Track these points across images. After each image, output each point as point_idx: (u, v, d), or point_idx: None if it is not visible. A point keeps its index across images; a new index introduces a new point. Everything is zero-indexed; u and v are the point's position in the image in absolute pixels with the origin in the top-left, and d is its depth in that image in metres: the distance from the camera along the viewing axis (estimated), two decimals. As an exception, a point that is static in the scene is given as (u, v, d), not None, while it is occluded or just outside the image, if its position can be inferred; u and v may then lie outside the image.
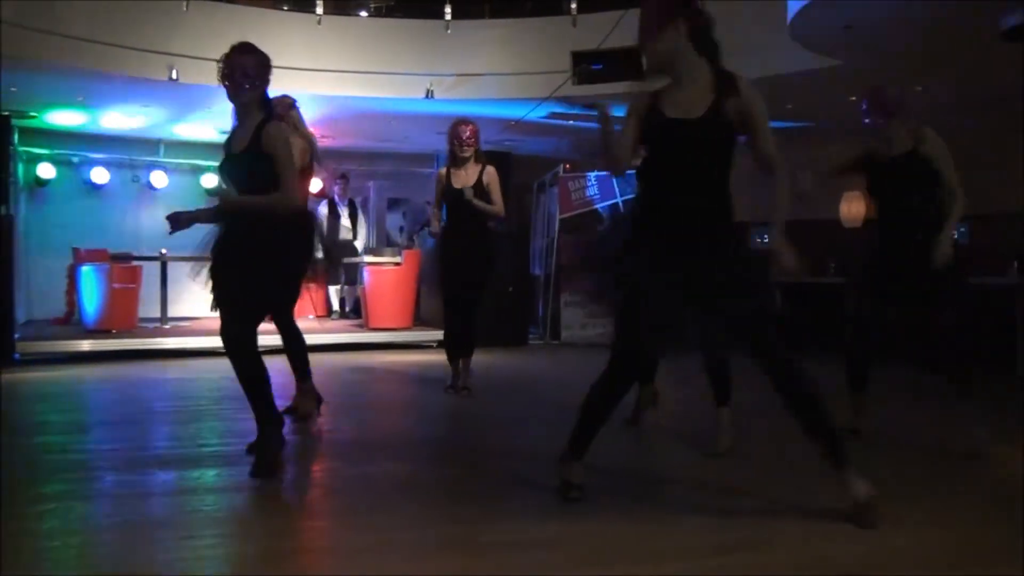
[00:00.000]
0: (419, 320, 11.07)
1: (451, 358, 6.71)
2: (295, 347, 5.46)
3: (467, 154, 6.42)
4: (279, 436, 4.21)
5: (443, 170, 6.56)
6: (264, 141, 4.12)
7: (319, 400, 5.61)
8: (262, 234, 4.08)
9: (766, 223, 3.55)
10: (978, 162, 6.50)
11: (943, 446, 4.72)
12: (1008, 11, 6.78)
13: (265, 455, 4.09)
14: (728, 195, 3.51)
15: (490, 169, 6.48)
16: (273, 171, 4.10)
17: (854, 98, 9.17)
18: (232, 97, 4.21)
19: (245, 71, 4.16)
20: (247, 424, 4.62)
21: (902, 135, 4.76)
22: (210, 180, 12.54)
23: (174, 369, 8.26)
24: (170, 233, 4.29)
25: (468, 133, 6.43)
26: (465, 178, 6.40)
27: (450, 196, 6.42)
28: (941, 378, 4.75)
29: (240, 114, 4.30)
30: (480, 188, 6.36)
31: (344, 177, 12.75)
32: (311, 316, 12.35)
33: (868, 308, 4.87)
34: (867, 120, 4.83)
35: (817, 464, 3.45)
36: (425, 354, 9.96)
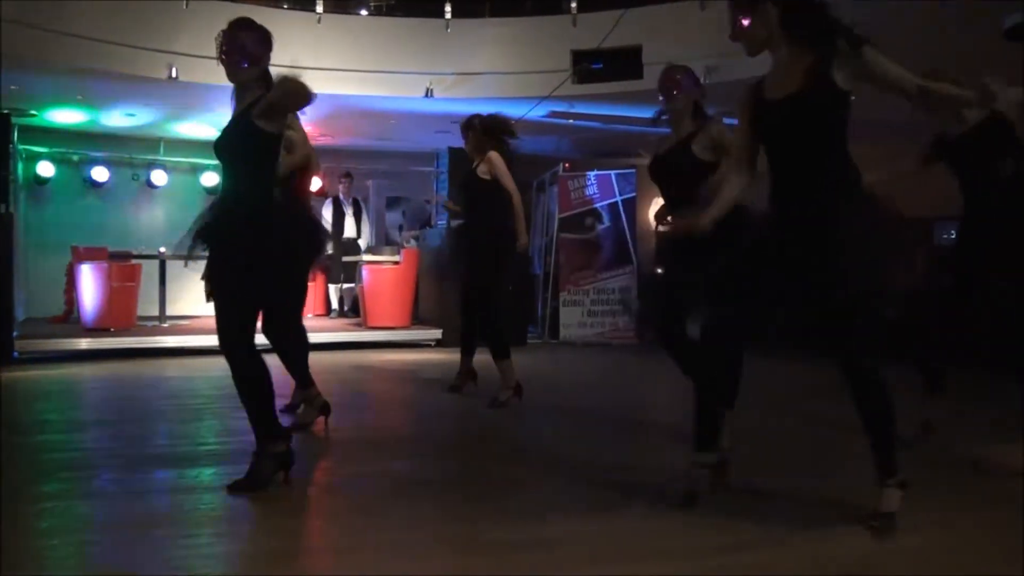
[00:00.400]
0: (417, 319, 11.06)
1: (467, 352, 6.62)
2: (298, 353, 5.20)
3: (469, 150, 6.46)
4: (279, 455, 3.85)
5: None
6: (258, 108, 3.82)
7: (327, 410, 5.25)
8: (263, 230, 3.85)
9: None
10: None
11: (947, 446, 4.72)
12: (1009, 10, 6.80)
13: (256, 473, 3.80)
14: (840, 172, 3.30)
15: (491, 155, 6.24)
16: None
17: (854, 97, 9.23)
18: (230, 76, 3.98)
19: (244, 48, 3.91)
20: (245, 422, 4.62)
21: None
22: (210, 179, 12.57)
23: (172, 367, 8.25)
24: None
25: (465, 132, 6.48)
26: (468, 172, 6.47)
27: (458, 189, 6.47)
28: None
29: (239, 94, 4.05)
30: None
31: (348, 175, 12.75)
32: (310, 315, 12.35)
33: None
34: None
35: (817, 463, 3.44)
36: (423, 353, 9.96)
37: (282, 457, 3.85)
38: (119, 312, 9.71)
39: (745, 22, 3.36)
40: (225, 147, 3.94)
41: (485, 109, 10.34)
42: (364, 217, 12.92)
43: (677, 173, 4.44)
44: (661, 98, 4.50)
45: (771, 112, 3.35)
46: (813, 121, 3.27)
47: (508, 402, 6.07)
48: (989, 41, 7.19)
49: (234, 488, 3.75)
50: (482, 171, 6.22)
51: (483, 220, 6.24)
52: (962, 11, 6.80)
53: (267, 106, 3.76)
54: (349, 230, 12.56)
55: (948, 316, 4.79)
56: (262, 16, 9.98)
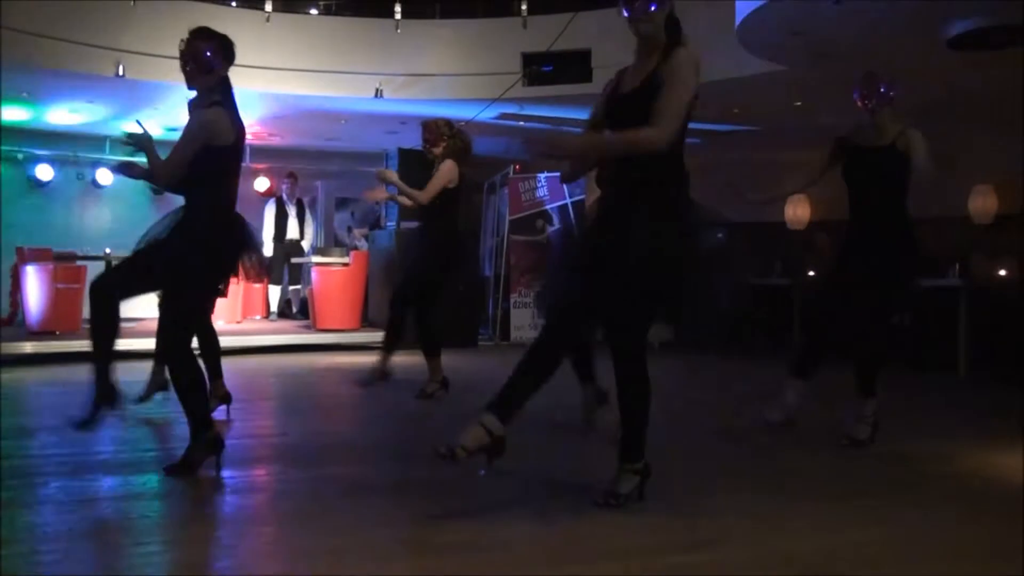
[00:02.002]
0: (367, 321, 11.02)
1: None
2: (212, 347, 5.40)
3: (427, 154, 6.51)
4: (209, 439, 4.12)
5: None
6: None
7: (227, 398, 5.55)
8: (188, 233, 4.10)
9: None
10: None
11: (896, 444, 4.82)
12: (952, 20, 6.94)
13: (189, 457, 4.10)
14: (666, 167, 3.50)
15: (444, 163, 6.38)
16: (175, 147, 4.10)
17: (799, 103, 9.37)
18: (188, 83, 4.15)
19: (199, 56, 4.08)
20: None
21: (888, 126, 4.81)
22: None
23: (119, 371, 8.10)
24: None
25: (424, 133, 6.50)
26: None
27: None
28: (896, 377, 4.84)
29: (195, 102, 4.22)
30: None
31: (292, 176, 12.68)
32: (257, 316, 12.26)
33: (829, 303, 4.99)
34: (863, 103, 4.85)
35: (776, 463, 3.49)
36: (373, 355, 9.89)
37: (212, 442, 4.10)
38: (64, 315, 9.55)
39: (653, 8, 3.52)
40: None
41: (435, 111, 10.43)
42: (308, 218, 12.85)
43: None
44: None
45: (614, 103, 3.66)
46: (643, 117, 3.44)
47: (435, 394, 6.35)
48: (932, 50, 7.34)
49: (170, 470, 4.02)
50: None
51: (440, 223, 6.39)
52: (908, 20, 6.92)
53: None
54: (292, 231, 12.49)
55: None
56: (210, 14, 10.01)
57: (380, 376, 6.41)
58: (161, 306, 4.44)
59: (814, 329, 5.13)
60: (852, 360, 5.00)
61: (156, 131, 11.60)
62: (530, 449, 4.88)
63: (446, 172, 6.31)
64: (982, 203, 10.02)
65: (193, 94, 4.24)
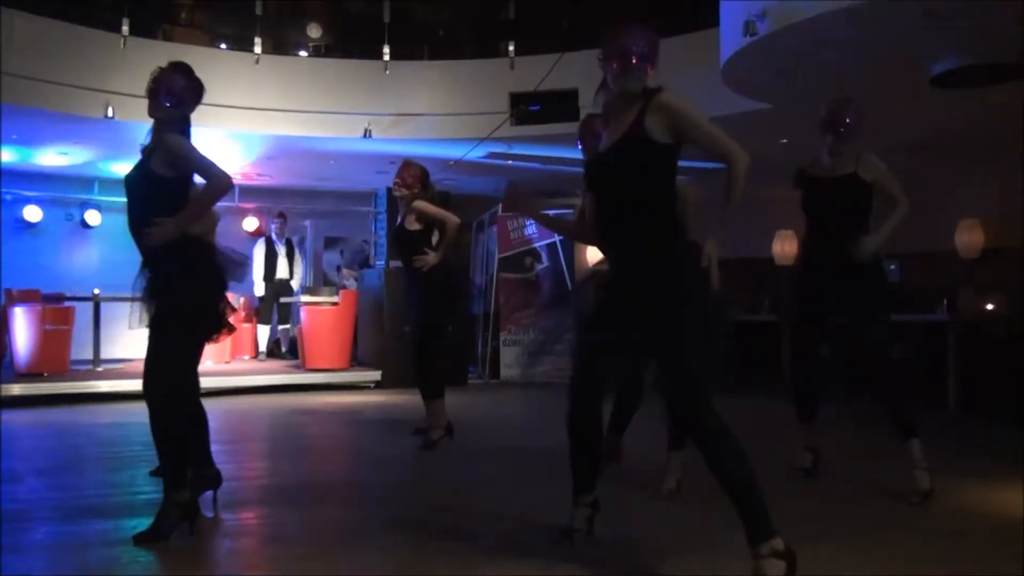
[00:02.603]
0: (356, 361, 11.00)
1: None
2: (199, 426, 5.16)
3: (397, 194, 6.30)
4: (182, 504, 3.80)
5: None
6: (162, 151, 3.86)
7: (217, 480, 5.26)
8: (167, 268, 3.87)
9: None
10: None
11: (893, 480, 4.82)
12: (935, 59, 7.03)
13: (159, 523, 3.74)
14: (663, 224, 3.33)
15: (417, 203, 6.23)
16: (198, 167, 3.86)
17: (785, 140, 9.45)
18: (151, 111, 3.97)
19: (172, 88, 3.95)
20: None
21: (847, 156, 4.76)
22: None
23: (108, 413, 8.10)
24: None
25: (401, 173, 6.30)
26: (405, 219, 6.24)
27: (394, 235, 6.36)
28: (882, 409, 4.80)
29: (153, 133, 4.00)
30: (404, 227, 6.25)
31: (282, 216, 12.70)
32: (246, 357, 12.23)
33: (804, 341, 5.00)
34: (827, 133, 4.79)
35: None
36: (363, 395, 9.90)
37: (185, 507, 3.81)
38: (52, 356, 9.51)
39: (643, 66, 3.38)
40: (129, 188, 3.99)
41: (424, 150, 10.51)
42: (297, 258, 12.86)
43: None
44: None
45: (599, 166, 3.47)
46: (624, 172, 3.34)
47: (440, 442, 6.10)
48: (917, 88, 7.43)
49: (138, 540, 3.68)
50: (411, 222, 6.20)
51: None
52: (892, 58, 7.02)
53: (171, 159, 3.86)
54: (282, 271, 12.49)
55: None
56: (201, 56, 10.08)
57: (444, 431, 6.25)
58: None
59: (797, 377, 5.08)
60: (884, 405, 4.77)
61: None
62: (515, 490, 4.87)
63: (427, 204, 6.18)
64: (969, 238, 10.09)
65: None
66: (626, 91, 3.37)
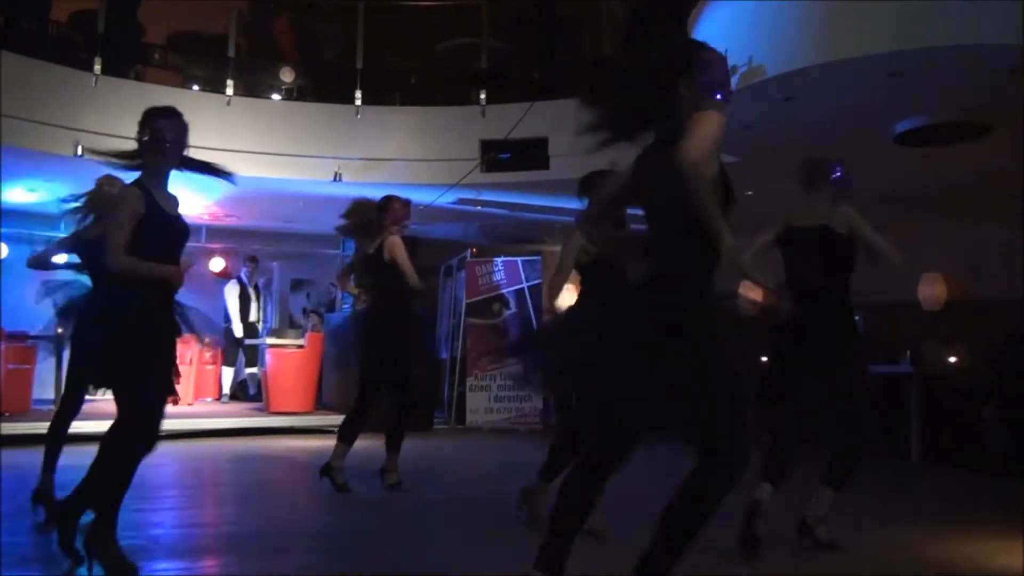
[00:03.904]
0: (321, 404, 10.92)
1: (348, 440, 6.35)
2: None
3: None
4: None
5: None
6: None
7: None
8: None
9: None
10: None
11: (858, 532, 4.83)
12: (900, 117, 7.18)
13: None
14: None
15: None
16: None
17: (751, 192, 9.56)
18: (171, 163, 4.02)
19: (182, 136, 4.02)
20: (144, 516, 4.49)
21: (823, 208, 4.73)
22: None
23: (68, 455, 7.94)
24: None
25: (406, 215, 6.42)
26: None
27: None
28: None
29: (159, 178, 4.03)
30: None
31: (254, 260, 12.67)
32: (208, 399, 12.12)
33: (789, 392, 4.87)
34: (812, 188, 4.80)
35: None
36: (328, 439, 9.74)
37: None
38: (13, 395, 9.33)
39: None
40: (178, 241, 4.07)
41: (393, 194, 10.47)
42: (262, 301, 12.83)
43: None
44: None
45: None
46: None
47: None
48: (881, 143, 7.56)
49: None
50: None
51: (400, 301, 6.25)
52: (857, 116, 7.15)
53: None
54: (253, 313, 12.44)
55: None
56: (173, 97, 10.05)
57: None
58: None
59: (776, 433, 4.85)
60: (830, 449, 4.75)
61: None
62: (480, 539, 4.84)
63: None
64: (931, 290, 10.23)
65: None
66: None
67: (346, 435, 6.23)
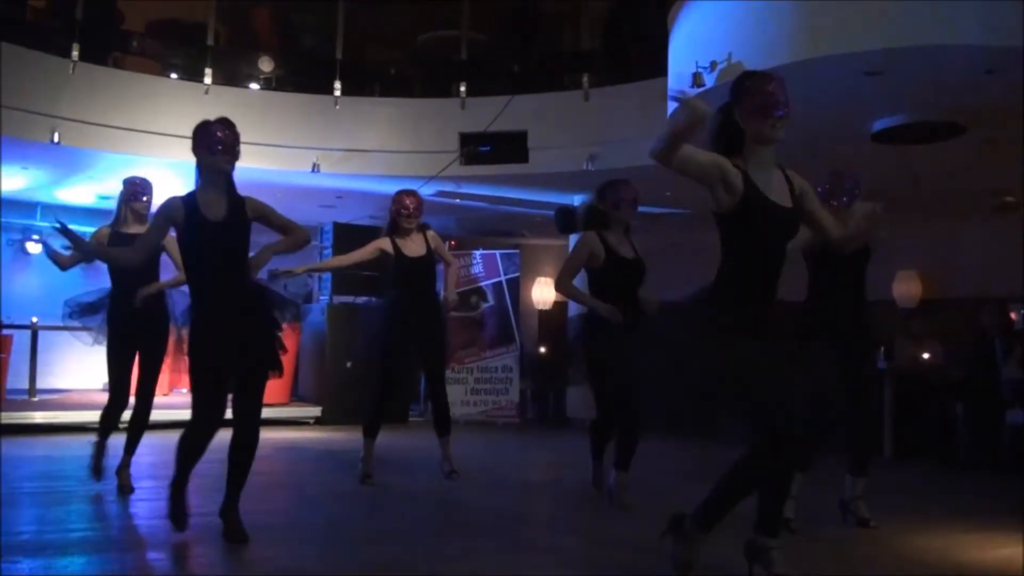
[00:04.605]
0: (297, 396, 10.91)
1: (374, 433, 6.38)
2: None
3: (412, 225, 6.38)
4: None
5: (387, 240, 6.37)
6: (249, 205, 4.46)
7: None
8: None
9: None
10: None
11: (830, 527, 4.89)
12: (876, 116, 7.23)
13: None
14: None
15: (431, 233, 6.52)
16: (279, 223, 4.65)
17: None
18: (231, 166, 4.37)
19: (236, 144, 4.37)
20: (118, 508, 4.47)
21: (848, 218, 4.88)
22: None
23: (42, 446, 7.93)
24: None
25: (415, 204, 6.40)
26: (415, 248, 6.37)
27: (406, 266, 6.34)
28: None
29: (218, 183, 4.38)
30: (431, 256, 6.43)
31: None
32: (184, 390, 12.06)
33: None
34: (834, 201, 5.06)
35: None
36: (303, 431, 9.80)
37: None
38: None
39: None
40: (226, 244, 4.44)
41: (372, 187, 10.50)
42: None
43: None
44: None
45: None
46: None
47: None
48: (858, 142, 7.62)
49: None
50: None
51: (433, 294, 6.58)
52: (836, 113, 7.20)
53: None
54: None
55: None
56: (150, 85, 10.03)
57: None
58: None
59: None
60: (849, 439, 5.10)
61: (90, 199, 11.54)
62: (449, 532, 4.86)
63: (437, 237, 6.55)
64: (907, 288, 10.32)
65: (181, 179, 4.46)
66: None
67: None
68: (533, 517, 5.65)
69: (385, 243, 6.34)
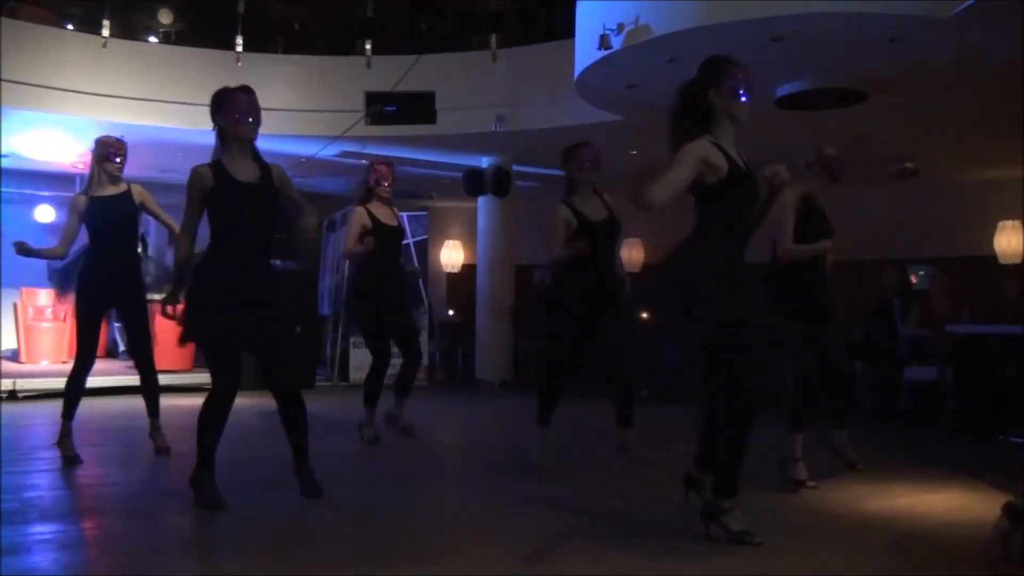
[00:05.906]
0: (199, 362, 10.69)
1: (375, 400, 6.57)
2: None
3: (389, 193, 6.43)
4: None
5: (363, 212, 6.35)
6: (275, 172, 4.54)
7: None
8: None
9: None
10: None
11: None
12: (781, 82, 7.34)
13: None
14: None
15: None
16: (295, 196, 4.62)
17: (635, 152, 9.67)
18: (254, 133, 4.48)
19: (258, 110, 4.52)
20: (17, 479, 4.34)
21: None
22: (45, 213, 11.96)
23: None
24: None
25: (390, 171, 6.48)
26: (389, 216, 6.44)
27: (384, 235, 6.32)
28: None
29: (245, 150, 4.48)
30: (402, 226, 6.73)
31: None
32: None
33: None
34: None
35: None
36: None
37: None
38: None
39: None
40: (258, 208, 4.46)
41: (276, 146, 10.28)
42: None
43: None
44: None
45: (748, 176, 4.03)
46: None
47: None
48: (762, 107, 7.72)
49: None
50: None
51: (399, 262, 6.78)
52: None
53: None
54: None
55: None
56: (46, 37, 9.66)
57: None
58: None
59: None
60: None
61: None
62: (370, 496, 4.83)
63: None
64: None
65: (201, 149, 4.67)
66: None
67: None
68: (450, 475, 5.64)
69: (363, 216, 6.35)
